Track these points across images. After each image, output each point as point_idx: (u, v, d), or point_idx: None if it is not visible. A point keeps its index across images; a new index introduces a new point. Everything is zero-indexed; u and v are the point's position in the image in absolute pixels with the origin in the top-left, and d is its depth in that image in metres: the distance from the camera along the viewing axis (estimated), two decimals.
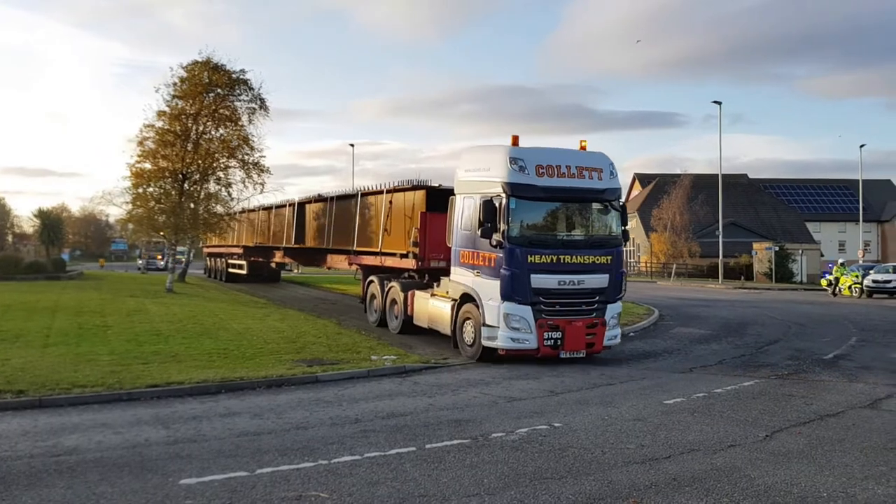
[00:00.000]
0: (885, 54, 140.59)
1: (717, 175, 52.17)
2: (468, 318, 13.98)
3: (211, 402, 9.98)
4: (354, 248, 21.29)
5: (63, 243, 56.64)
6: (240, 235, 36.46)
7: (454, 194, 14.76)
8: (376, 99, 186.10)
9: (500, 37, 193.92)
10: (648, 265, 64.43)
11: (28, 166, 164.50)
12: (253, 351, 13.87)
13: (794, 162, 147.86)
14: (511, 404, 10.05)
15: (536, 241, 13.20)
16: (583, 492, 6.32)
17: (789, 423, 8.90)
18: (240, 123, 30.73)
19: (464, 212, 14.26)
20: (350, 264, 22.52)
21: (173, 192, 30.09)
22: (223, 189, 31.30)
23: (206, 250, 46.15)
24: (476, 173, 14.08)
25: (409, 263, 17.39)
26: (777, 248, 54.07)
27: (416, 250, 16.78)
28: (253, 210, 34.07)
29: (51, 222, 46.73)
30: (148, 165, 29.96)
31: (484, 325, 13.32)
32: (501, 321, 13.00)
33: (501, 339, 13.05)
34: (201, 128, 30.44)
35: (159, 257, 61.54)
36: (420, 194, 17.45)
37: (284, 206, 29.90)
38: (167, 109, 29.99)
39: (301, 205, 27.70)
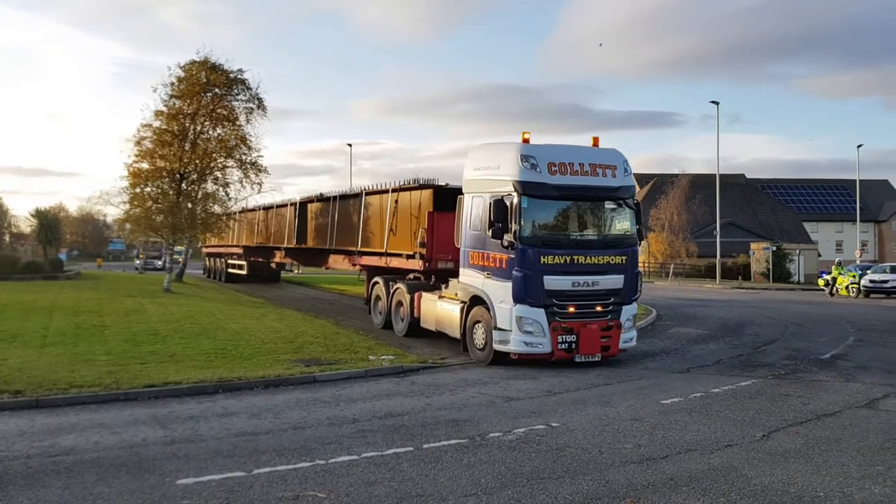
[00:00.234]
0: (884, 54, 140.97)
1: (714, 175, 52.23)
2: (478, 322, 13.61)
3: (208, 402, 9.97)
4: (358, 248, 20.84)
5: (60, 243, 56.64)
6: (240, 235, 36.14)
7: (462, 193, 14.42)
8: (373, 98, 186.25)
9: (496, 36, 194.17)
10: (646, 265, 64.46)
11: (25, 166, 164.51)
12: (251, 351, 13.86)
13: (791, 162, 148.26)
14: (509, 404, 10.06)
15: (549, 241, 12.85)
16: (580, 491, 6.33)
17: (786, 423, 8.91)
18: (237, 123, 30.70)
19: (473, 211, 13.91)
20: (353, 265, 22.02)
21: (171, 192, 30.05)
22: (221, 189, 31.28)
23: (204, 250, 45.87)
24: (485, 172, 13.71)
25: (416, 264, 16.95)
26: (774, 248, 54.15)
27: (423, 251, 16.38)
28: (253, 210, 33.74)
29: (48, 222, 46.77)
30: (145, 165, 29.93)
31: (495, 328, 12.95)
32: (514, 324, 12.64)
33: (514, 343, 12.70)
34: (199, 127, 30.40)
35: (157, 257, 61.53)
36: (427, 193, 17.00)
37: (285, 205, 29.51)
38: (165, 109, 29.95)
39: (303, 204, 27.25)
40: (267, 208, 32.18)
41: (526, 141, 13.23)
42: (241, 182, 31.03)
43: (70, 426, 8.51)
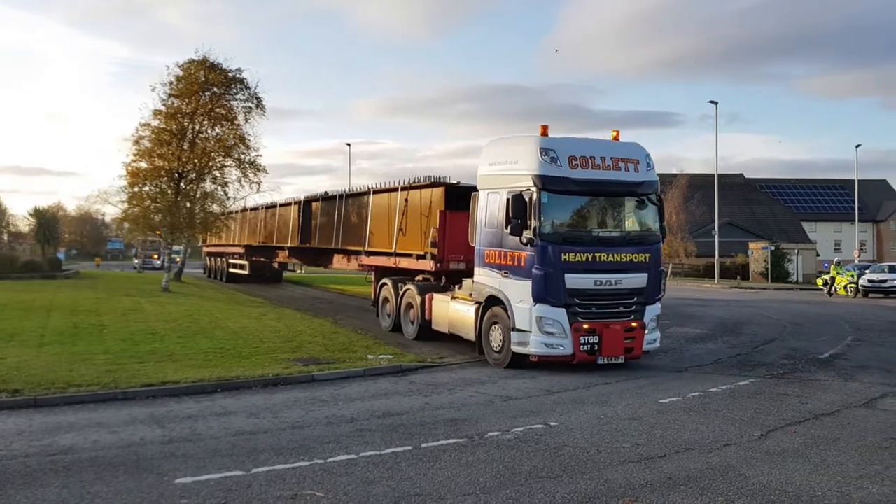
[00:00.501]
0: (882, 54, 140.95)
1: (713, 175, 52.28)
2: (495, 323, 13.12)
3: (207, 401, 9.97)
4: (365, 248, 20.13)
5: (59, 242, 56.60)
6: (241, 234, 35.63)
7: (477, 190, 13.96)
8: (373, 98, 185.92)
9: (496, 36, 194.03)
10: None
11: (24, 165, 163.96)
12: (249, 350, 13.85)
13: (790, 161, 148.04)
14: (507, 403, 10.06)
15: (570, 237, 12.39)
16: (578, 491, 6.33)
17: (784, 423, 8.92)
18: (236, 122, 30.67)
19: (489, 208, 13.43)
20: (360, 266, 21.25)
21: (169, 191, 30.02)
22: (219, 188, 31.25)
23: (205, 249, 45.38)
24: (502, 167, 13.22)
25: (427, 265, 16.33)
26: (773, 248, 54.22)
27: (435, 251, 15.81)
28: (255, 209, 33.17)
29: (46, 221, 46.74)
30: (144, 164, 29.90)
31: (514, 329, 12.49)
32: (534, 325, 12.17)
33: (534, 345, 12.22)
34: (197, 127, 30.38)
35: (155, 256, 61.35)
36: (438, 192, 16.42)
37: (289, 204, 28.85)
38: (163, 108, 29.91)
39: (307, 203, 26.56)
40: (269, 207, 31.56)
41: (545, 134, 12.75)
42: (239, 181, 31.01)
43: (68, 425, 8.51)
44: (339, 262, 23.70)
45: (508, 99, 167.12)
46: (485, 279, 13.47)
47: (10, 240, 67.37)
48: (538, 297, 12.16)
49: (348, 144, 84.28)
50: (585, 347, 12.22)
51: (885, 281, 35.84)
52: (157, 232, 32.67)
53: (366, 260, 20.25)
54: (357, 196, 21.83)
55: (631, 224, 13.19)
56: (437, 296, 15.64)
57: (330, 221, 23.69)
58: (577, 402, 10.10)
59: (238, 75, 30.41)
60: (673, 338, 17.57)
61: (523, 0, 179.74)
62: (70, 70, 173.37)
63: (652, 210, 13.17)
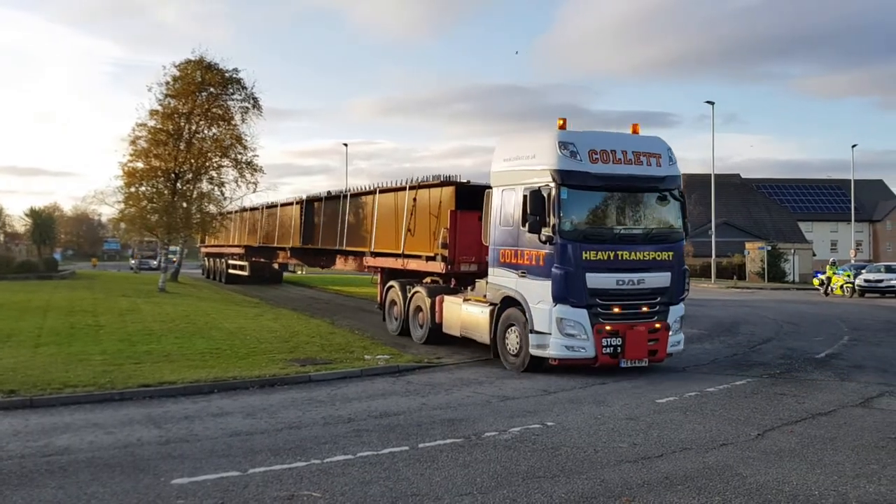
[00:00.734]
0: (879, 54, 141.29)
1: (709, 175, 52.36)
2: (512, 325, 12.68)
3: (203, 401, 9.96)
4: (371, 249, 19.49)
5: (55, 243, 56.50)
6: (241, 235, 35.07)
7: (490, 187, 13.55)
8: (369, 98, 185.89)
9: (492, 36, 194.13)
10: None
11: (20, 165, 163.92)
12: (246, 350, 13.84)
13: (786, 162, 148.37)
14: (504, 403, 10.06)
15: (591, 235, 11.92)
16: (575, 490, 6.33)
17: (781, 422, 8.93)
18: (233, 123, 30.67)
19: (503, 206, 13.01)
20: (366, 267, 20.57)
21: (166, 192, 30.00)
22: (216, 188, 31.25)
23: (203, 250, 44.98)
24: (518, 162, 12.78)
25: (437, 267, 15.74)
26: (769, 248, 54.29)
27: (446, 252, 15.26)
28: (255, 208, 32.65)
29: (42, 222, 46.64)
30: (140, 164, 29.88)
31: (532, 331, 12.04)
32: (554, 326, 11.74)
33: (554, 347, 11.78)
34: (194, 127, 30.36)
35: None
36: (448, 191, 15.90)
37: (291, 204, 28.18)
38: (160, 108, 29.90)
39: (309, 203, 25.95)
40: (270, 207, 30.97)
41: (563, 127, 12.31)
42: (236, 182, 31.03)
43: (64, 426, 8.49)
44: (343, 263, 23.27)
45: (505, 99, 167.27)
46: (500, 279, 13.05)
47: (6, 240, 67.23)
48: (558, 298, 11.75)
49: (345, 145, 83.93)
50: (608, 350, 11.80)
51: (881, 281, 35.93)
52: (154, 232, 32.62)
53: (371, 261, 19.68)
54: (362, 195, 21.26)
55: (653, 221, 12.71)
56: (447, 298, 15.15)
57: (333, 222, 23.06)
58: (574, 402, 10.10)
59: (235, 75, 30.42)
60: None
61: (520, 1, 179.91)
62: (66, 70, 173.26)
63: (675, 206, 12.75)
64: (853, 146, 60.74)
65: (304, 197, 26.61)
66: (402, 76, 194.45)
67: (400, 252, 17.62)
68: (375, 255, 19.31)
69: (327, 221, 23.86)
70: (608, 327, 11.80)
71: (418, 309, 16.26)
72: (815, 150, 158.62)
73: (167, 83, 29.77)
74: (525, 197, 12.03)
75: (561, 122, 12.37)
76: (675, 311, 12.56)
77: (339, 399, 10.21)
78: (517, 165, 12.79)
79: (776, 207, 78.16)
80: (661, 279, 12.31)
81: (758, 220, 72.62)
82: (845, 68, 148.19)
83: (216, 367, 12.00)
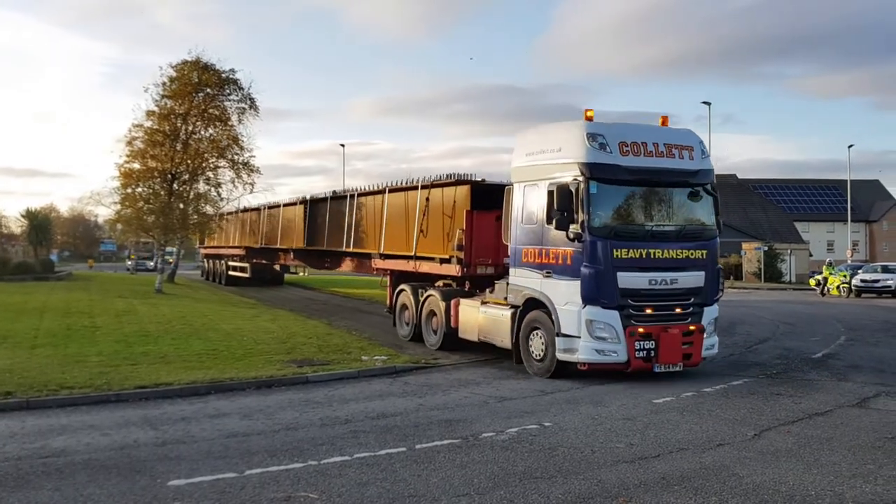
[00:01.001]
0: (878, 54, 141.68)
1: None
2: (536, 328, 12.07)
3: (200, 403, 9.94)
4: (381, 251, 18.66)
5: (51, 244, 56.36)
6: (242, 236, 34.07)
7: (510, 184, 12.99)
8: (367, 98, 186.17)
9: (491, 36, 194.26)
10: None
11: (17, 166, 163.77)
12: (243, 351, 13.83)
13: (783, 162, 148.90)
14: (501, 404, 10.06)
15: (622, 232, 11.34)
16: (572, 491, 6.33)
17: (778, 422, 8.94)
18: (229, 123, 30.75)
19: (526, 203, 12.42)
20: (375, 270, 19.70)
21: (162, 193, 30.02)
22: (213, 189, 31.30)
23: (202, 251, 44.48)
24: (541, 156, 12.16)
25: (452, 269, 15.06)
26: (766, 248, 54.37)
27: (461, 254, 14.53)
28: (257, 209, 31.94)
29: (39, 223, 46.50)
30: (137, 165, 29.92)
31: (559, 334, 11.45)
32: (583, 329, 11.16)
33: (584, 351, 11.20)
34: (190, 127, 30.41)
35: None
36: (463, 190, 15.18)
37: (294, 204, 27.34)
38: (156, 109, 29.99)
39: (314, 203, 25.09)
40: (272, 207, 30.26)
41: (590, 118, 11.75)
42: (232, 182, 31.09)
43: (61, 427, 8.47)
44: (349, 265, 22.70)
45: (503, 99, 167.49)
46: (522, 280, 12.44)
47: (2, 241, 67.03)
48: (588, 298, 11.16)
49: (342, 145, 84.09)
50: (641, 354, 11.23)
51: (877, 281, 36.01)
52: (150, 233, 32.60)
53: (381, 263, 18.82)
54: (370, 195, 20.35)
55: (686, 217, 12.12)
56: (464, 301, 14.48)
57: (339, 222, 22.26)
58: (571, 403, 10.11)
59: (231, 76, 30.54)
60: None
61: (518, 1, 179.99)
62: (63, 71, 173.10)
63: (708, 202, 12.18)
64: (849, 146, 60.75)
65: (308, 197, 25.85)
66: (400, 76, 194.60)
67: (411, 254, 16.90)
68: (385, 257, 18.54)
69: (333, 222, 23.05)
70: (641, 330, 11.23)
71: (431, 314, 15.56)
72: (813, 151, 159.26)
73: (164, 84, 29.85)
74: (550, 192, 11.51)
75: (588, 112, 11.82)
76: (710, 313, 12.02)
77: (337, 400, 10.20)
78: (541, 160, 12.19)
79: (773, 207, 78.26)
80: (694, 279, 11.79)
81: (754, 220, 72.70)
82: (844, 68, 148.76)
83: (213, 369, 11.98)
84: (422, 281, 16.63)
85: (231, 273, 37.12)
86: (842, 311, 25.99)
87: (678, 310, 11.65)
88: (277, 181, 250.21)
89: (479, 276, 14.62)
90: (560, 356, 11.51)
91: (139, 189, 30.37)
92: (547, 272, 11.86)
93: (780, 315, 23.83)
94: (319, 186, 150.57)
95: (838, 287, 37.10)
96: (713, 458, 7.37)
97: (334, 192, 23.60)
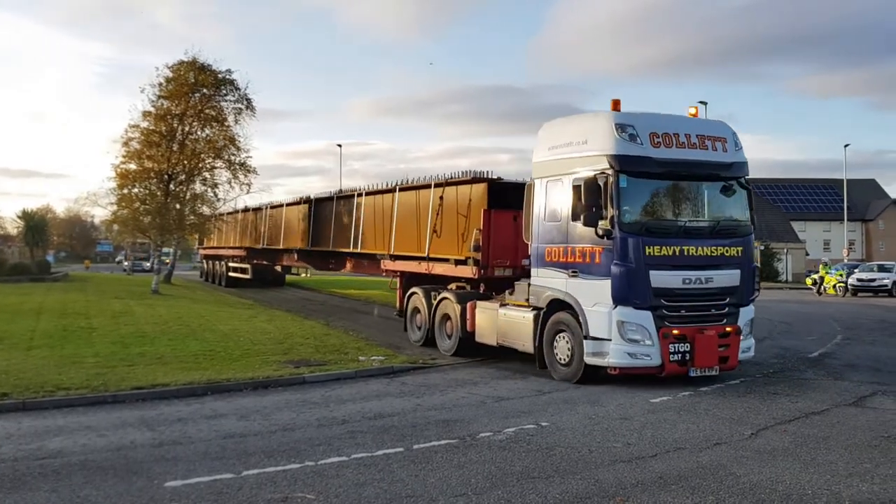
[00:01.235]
0: (876, 54, 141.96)
1: None
2: (561, 331, 11.56)
3: (197, 403, 9.92)
4: (391, 252, 17.93)
5: (47, 245, 56.31)
6: (242, 236, 33.43)
7: (532, 180, 12.48)
8: (364, 99, 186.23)
9: (486, 36, 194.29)
10: None
11: (12, 167, 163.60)
12: (240, 352, 13.80)
13: (782, 161, 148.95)
14: (499, 404, 10.05)
15: (654, 228, 10.85)
16: (570, 491, 6.33)
17: (775, 421, 8.95)
18: (226, 124, 30.69)
19: (549, 199, 11.92)
20: (384, 271, 18.91)
21: (159, 193, 29.97)
22: (209, 190, 31.24)
23: (201, 252, 44.04)
24: (566, 149, 11.64)
25: (467, 271, 14.50)
26: (762, 248, 54.43)
27: (478, 255, 13.96)
28: (258, 209, 31.33)
29: (35, 224, 46.51)
30: (133, 166, 29.87)
31: (587, 337, 10.95)
32: (614, 331, 10.65)
33: (615, 355, 10.68)
34: (187, 128, 30.35)
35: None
36: (480, 188, 14.57)
37: (297, 203, 26.64)
38: (152, 110, 29.91)
39: (318, 202, 24.38)
40: (274, 207, 29.59)
41: (617, 108, 11.20)
42: (229, 183, 31.01)
43: (57, 429, 8.45)
44: (356, 266, 21.97)
45: (499, 99, 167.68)
46: (546, 280, 11.94)
47: None
48: (619, 299, 10.63)
49: (339, 145, 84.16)
50: (676, 357, 10.70)
51: (873, 280, 36.11)
52: (147, 234, 32.55)
53: (390, 265, 18.10)
54: (379, 194, 19.55)
55: (720, 212, 11.65)
56: (481, 304, 13.83)
57: (346, 222, 21.59)
58: (568, 402, 10.11)
59: (228, 76, 30.48)
60: None
61: (514, 0, 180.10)
62: (59, 71, 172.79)
63: (742, 196, 11.68)
64: (846, 146, 61.34)
65: (313, 196, 25.11)
66: (397, 77, 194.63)
67: (424, 255, 16.26)
68: (395, 258, 17.84)
69: (339, 222, 22.34)
70: (675, 331, 10.71)
71: (446, 317, 14.82)
72: (812, 150, 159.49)
73: (160, 84, 29.80)
74: (576, 187, 11.07)
75: (614, 102, 11.28)
76: (746, 313, 11.53)
77: (334, 400, 10.19)
78: (566, 153, 11.67)
79: (769, 207, 78.19)
80: (730, 277, 11.26)
81: None
82: (842, 68, 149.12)
83: (210, 369, 11.96)
84: (433, 283, 16.09)
85: (231, 274, 36.52)
86: (838, 311, 26.04)
87: (713, 310, 11.18)
88: (274, 181, 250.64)
89: (496, 279, 14.08)
90: (588, 360, 11.01)
91: (135, 190, 30.31)
92: (573, 271, 11.37)
93: (776, 314, 23.85)
94: (316, 187, 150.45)
95: (834, 286, 37.18)
96: (710, 458, 7.38)
97: (340, 190, 23.04)
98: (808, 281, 40.86)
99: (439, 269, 15.78)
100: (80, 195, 46.42)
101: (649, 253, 10.68)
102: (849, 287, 36.25)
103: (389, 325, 20.05)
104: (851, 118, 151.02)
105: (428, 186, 16.59)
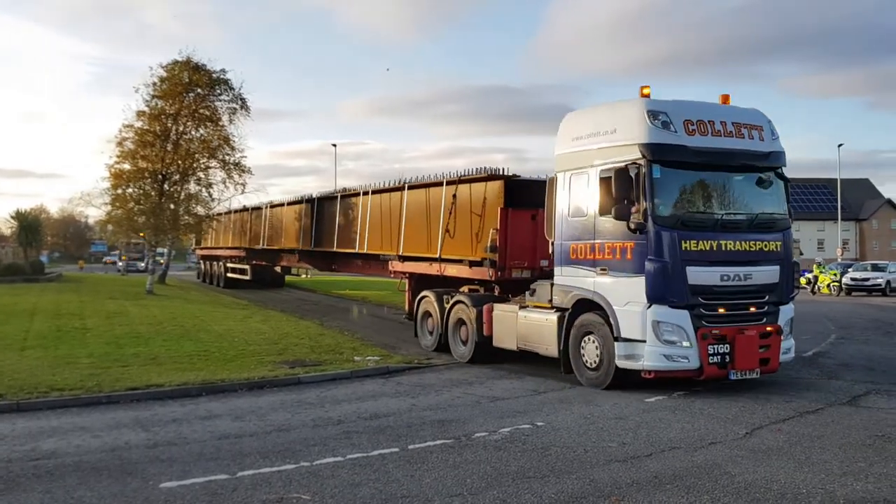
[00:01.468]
0: (871, 54, 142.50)
1: None
2: (589, 333, 10.97)
3: (192, 404, 9.91)
4: (399, 252, 17.29)
5: (41, 245, 56.04)
6: (242, 237, 33.05)
7: (555, 173, 11.84)
8: (359, 99, 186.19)
9: (483, 36, 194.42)
10: None
11: (6, 167, 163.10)
12: (234, 353, 13.78)
13: None
14: (494, 404, 10.05)
15: (690, 221, 10.30)
16: (565, 490, 6.33)
17: (769, 420, 8.97)
18: (220, 123, 30.61)
19: (573, 193, 11.35)
20: (392, 273, 18.15)
21: (153, 193, 29.89)
22: (203, 189, 31.15)
23: (199, 252, 43.67)
24: (593, 139, 11.05)
25: (483, 273, 13.91)
26: None
27: (495, 257, 13.37)
28: (258, 208, 31.07)
29: (29, 224, 46.21)
30: (127, 166, 29.78)
31: (618, 339, 10.37)
32: (649, 332, 10.08)
33: (650, 357, 10.10)
34: (181, 128, 30.27)
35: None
36: (496, 186, 13.96)
37: (299, 202, 25.94)
38: (147, 109, 29.80)
39: (321, 201, 23.71)
40: (274, 206, 29.15)
41: (647, 95, 10.65)
42: (224, 183, 30.94)
43: (51, 430, 8.43)
44: (361, 267, 21.57)
45: (495, 100, 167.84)
46: (571, 280, 11.35)
47: None
48: (654, 297, 10.08)
49: (334, 145, 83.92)
50: (715, 359, 10.16)
51: (867, 279, 36.23)
52: (141, 234, 32.47)
53: (399, 266, 17.42)
54: (386, 192, 18.84)
55: (757, 204, 11.06)
56: (498, 306, 13.21)
57: (351, 222, 20.97)
58: (563, 402, 10.11)
59: (222, 76, 30.38)
60: None
61: (511, 0, 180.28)
62: (52, 71, 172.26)
63: (779, 187, 11.17)
64: (839, 145, 61.24)
65: (315, 195, 24.53)
66: (392, 77, 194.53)
67: (436, 256, 15.63)
68: (404, 259, 17.21)
69: (343, 222, 21.71)
70: (715, 332, 10.18)
71: (460, 322, 14.06)
72: (808, 150, 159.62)
73: (154, 84, 29.69)
74: (605, 179, 10.52)
75: (645, 89, 10.71)
76: (786, 312, 10.98)
77: (329, 401, 10.18)
78: (592, 143, 11.07)
79: None
80: (769, 274, 10.75)
81: None
82: (834, 68, 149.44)
83: (204, 370, 11.94)
84: (444, 285, 15.49)
85: (230, 275, 35.91)
86: (832, 310, 26.11)
87: (752, 308, 10.65)
88: (269, 181, 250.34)
89: (513, 281, 13.54)
90: (620, 364, 10.43)
91: (129, 190, 30.21)
92: (602, 269, 10.78)
93: None
94: (311, 187, 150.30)
95: (828, 285, 37.29)
96: (705, 457, 7.39)
97: (345, 189, 22.42)
98: (803, 280, 40.95)
99: (452, 270, 15.22)
100: (74, 195, 46.35)
101: (685, 248, 10.14)
102: (843, 286, 36.36)
103: (384, 324, 20.10)
104: (848, 118, 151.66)
105: (440, 184, 15.95)
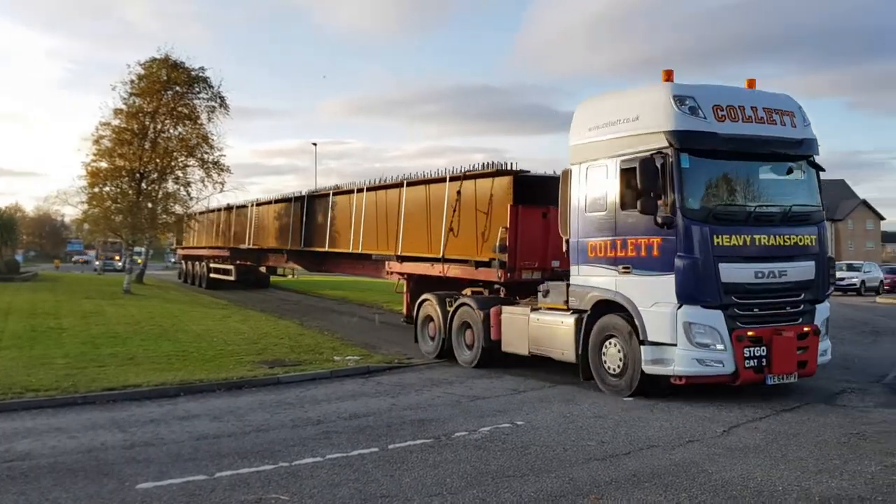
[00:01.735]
0: (853, 56, 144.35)
1: None
2: (611, 337, 10.31)
3: (169, 405, 9.83)
4: (398, 252, 16.55)
5: (17, 244, 55.34)
6: (226, 236, 32.01)
7: (570, 166, 11.20)
8: (339, 98, 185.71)
9: (465, 36, 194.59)
10: None
11: None
12: (213, 353, 13.69)
13: None
14: (474, 403, 10.06)
15: (721, 214, 9.60)
16: (544, 489, 6.35)
17: (746, 419, 9.05)
18: (199, 122, 30.39)
19: (590, 186, 10.69)
20: (390, 274, 17.45)
21: (130, 192, 29.63)
22: (182, 188, 30.94)
23: (180, 252, 42.77)
24: (612, 128, 10.35)
25: (491, 274, 13.26)
26: None
27: (504, 257, 12.72)
28: (243, 206, 30.16)
29: (4, 222, 45.62)
30: (104, 164, 29.50)
31: (645, 342, 9.71)
32: (680, 334, 9.39)
33: (681, 362, 9.42)
34: (159, 126, 30.02)
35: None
36: (504, 182, 13.28)
37: (288, 200, 24.89)
38: (124, 107, 29.53)
39: (311, 199, 22.79)
40: (261, 204, 28.16)
41: (670, 79, 9.93)
42: (202, 181, 30.72)
43: (26, 431, 8.32)
44: (354, 268, 20.88)
45: (477, 99, 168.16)
46: (590, 279, 10.72)
47: None
48: (685, 296, 9.42)
49: (314, 144, 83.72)
50: (751, 363, 9.51)
51: (843, 279, 36.64)
52: (118, 233, 32.16)
53: (398, 267, 16.68)
54: (382, 189, 18.05)
55: (790, 195, 10.37)
56: (507, 309, 12.54)
57: (344, 221, 20.13)
58: (543, 401, 10.14)
59: (201, 74, 30.14)
60: None
61: (494, 0, 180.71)
62: (28, 68, 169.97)
63: (812, 177, 10.52)
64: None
65: (305, 192, 23.68)
66: (374, 76, 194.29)
67: (438, 256, 14.81)
68: (402, 259, 16.46)
69: (335, 220, 20.85)
70: (750, 333, 9.52)
71: (465, 326, 13.33)
72: None
73: (132, 82, 29.44)
74: (627, 170, 9.89)
75: (666, 73, 10.02)
76: (822, 311, 10.40)
77: (308, 401, 10.14)
78: (611, 133, 10.39)
79: None
80: (805, 270, 10.10)
81: None
82: (820, 69, 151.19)
83: (182, 370, 11.85)
84: (445, 287, 14.73)
85: (213, 276, 34.81)
86: None
87: (788, 308, 10.03)
88: (248, 180, 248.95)
89: (522, 282, 12.91)
90: (647, 369, 9.79)
91: (107, 188, 29.95)
92: (624, 267, 10.10)
93: None
94: (291, 185, 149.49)
95: None
96: (683, 455, 7.44)
97: (337, 186, 21.57)
98: None
99: (456, 271, 14.48)
100: (51, 194, 45.96)
101: (718, 243, 9.45)
102: None
103: (364, 324, 20.04)
104: (830, 118, 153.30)
105: (442, 180, 15.05)
